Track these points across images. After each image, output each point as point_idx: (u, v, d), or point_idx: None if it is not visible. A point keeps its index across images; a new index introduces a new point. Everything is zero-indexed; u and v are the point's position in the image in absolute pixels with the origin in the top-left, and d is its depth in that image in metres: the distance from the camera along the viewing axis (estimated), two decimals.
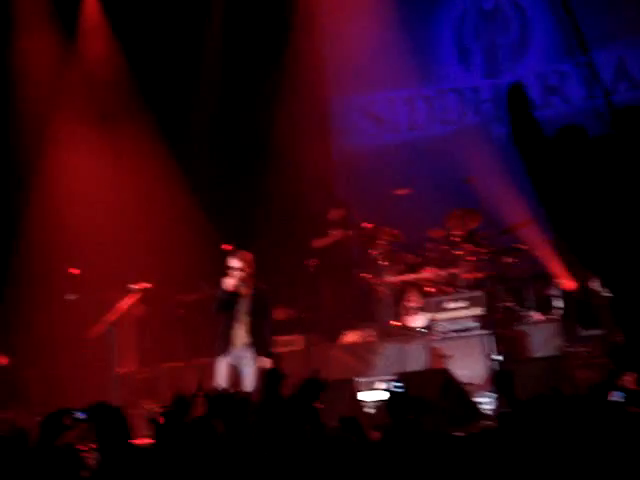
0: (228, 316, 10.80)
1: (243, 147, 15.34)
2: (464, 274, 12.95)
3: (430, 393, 9.56)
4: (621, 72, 14.51)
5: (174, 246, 14.35)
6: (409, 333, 12.94)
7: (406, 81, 15.60)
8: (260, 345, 10.74)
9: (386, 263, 13.41)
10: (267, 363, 10.60)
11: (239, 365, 10.69)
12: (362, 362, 12.89)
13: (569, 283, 11.71)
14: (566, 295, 11.96)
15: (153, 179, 14.66)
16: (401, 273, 13.44)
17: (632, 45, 14.58)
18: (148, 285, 13.34)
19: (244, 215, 14.89)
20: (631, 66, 14.62)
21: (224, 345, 10.76)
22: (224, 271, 10.83)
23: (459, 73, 15.73)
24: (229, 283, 10.75)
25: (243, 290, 10.78)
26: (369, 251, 13.63)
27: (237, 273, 10.80)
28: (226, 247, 14.63)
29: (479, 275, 12.97)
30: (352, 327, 13.86)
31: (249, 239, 14.66)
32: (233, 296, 10.74)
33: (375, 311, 13.63)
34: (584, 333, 12.03)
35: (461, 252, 13.02)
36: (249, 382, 10.51)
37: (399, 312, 13.19)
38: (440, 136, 15.44)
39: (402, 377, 10.78)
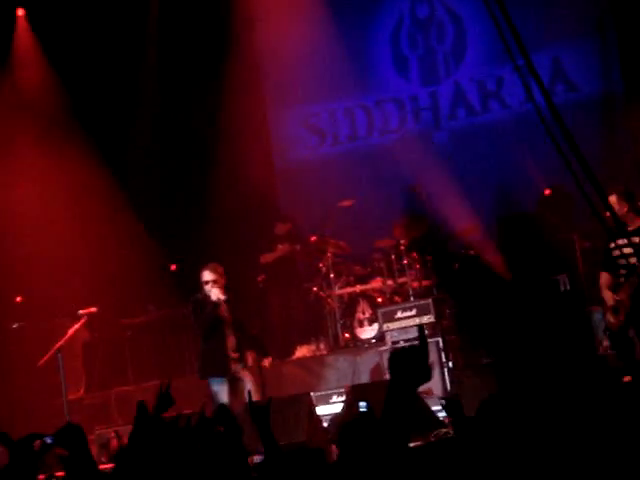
0: (217, 332, 10.54)
1: (184, 163, 15.22)
2: (412, 282, 12.95)
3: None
4: (557, 74, 14.61)
5: (118, 268, 14.18)
6: (360, 345, 12.90)
7: (345, 92, 15.59)
8: (258, 349, 10.83)
9: (334, 275, 13.37)
10: (267, 362, 10.71)
11: (236, 381, 10.56)
12: (315, 376, 12.82)
13: None
14: None
15: (94, 201, 14.49)
16: (350, 285, 13.41)
17: (567, 46, 14.68)
18: (94, 309, 13.18)
19: (188, 233, 14.77)
20: (567, 67, 14.73)
21: (222, 364, 10.52)
22: (199, 287, 10.56)
23: (397, 82, 15.74)
24: (216, 294, 10.38)
25: (221, 302, 10.47)
26: (317, 264, 13.58)
27: (213, 285, 10.51)
28: (172, 268, 14.54)
29: (427, 283, 12.98)
30: (303, 341, 13.79)
31: (194, 257, 14.55)
32: (217, 308, 10.44)
33: (325, 324, 13.57)
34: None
35: (408, 260, 13.02)
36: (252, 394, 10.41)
37: (349, 324, 13.14)
38: (381, 145, 15.44)
39: (356, 389, 10.73)
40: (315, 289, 13.63)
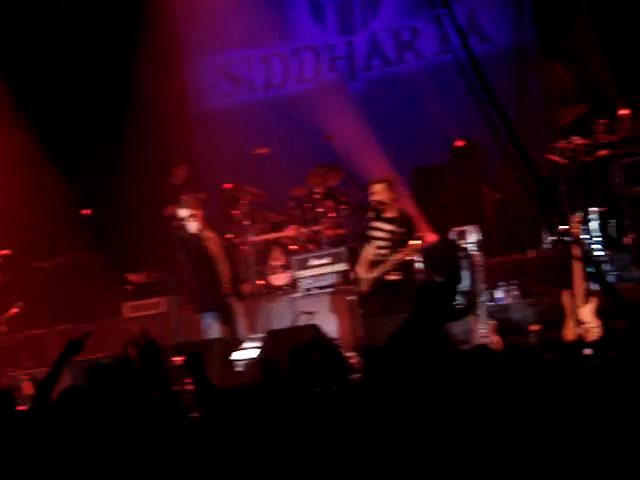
0: (199, 265, 10.77)
1: (100, 109, 15.05)
2: (326, 231, 13.06)
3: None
4: (472, 26, 14.73)
5: (31, 212, 14.05)
6: (274, 291, 13.00)
7: (262, 39, 15.53)
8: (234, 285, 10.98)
9: (249, 223, 13.40)
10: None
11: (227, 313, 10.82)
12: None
13: (430, 236, 11.91)
14: (426, 248, 12.16)
15: (5, 144, 14.29)
16: (264, 232, 13.46)
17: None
18: (6, 252, 13.08)
19: (103, 178, 14.66)
20: (481, 20, 14.86)
21: (212, 299, 10.86)
22: (177, 224, 10.77)
23: (314, 31, 15.73)
24: (195, 227, 10.74)
25: (204, 235, 10.78)
26: (232, 211, 13.60)
27: (192, 219, 10.77)
28: (85, 212, 14.44)
29: (341, 232, 13.10)
30: None
31: (108, 202, 14.48)
32: (197, 241, 10.74)
33: (239, 271, 13.62)
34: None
35: (323, 209, 13.12)
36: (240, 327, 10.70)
37: (263, 271, 13.21)
38: (297, 94, 15.44)
39: (270, 335, 10.85)
40: (229, 236, 13.66)
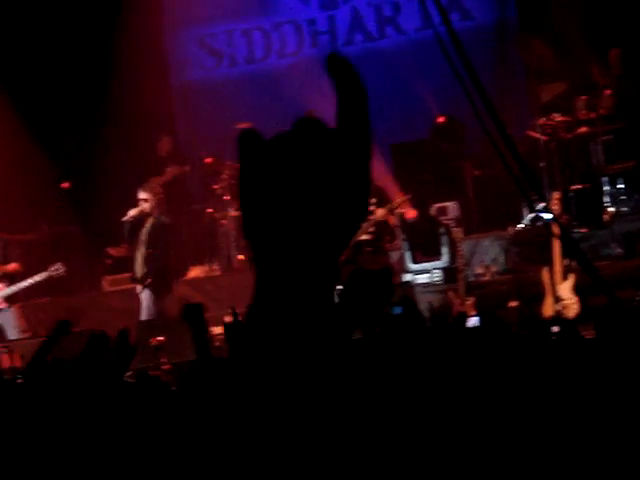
0: (132, 247, 11.38)
1: (80, 81, 14.96)
2: None
3: None
4: (453, 2, 14.73)
5: (10, 185, 13.99)
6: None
7: (243, 13, 15.48)
8: (155, 276, 11.22)
9: (229, 197, 13.40)
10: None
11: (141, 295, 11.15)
12: (208, 297, 12.90)
13: (410, 212, 11.95)
14: (406, 224, 12.20)
15: None
16: None
17: None
18: None
19: (84, 154, 14.60)
20: None
21: (133, 275, 11.44)
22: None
23: (295, 5, 15.69)
24: (128, 213, 11.22)
25: (147, 221, 11.22)
26: (212, 186, 13.60)
27: (141, 204, 11.25)
28: (64, 185, 14.41)
29: None
30: (196, 262, 13.85)
31: (88, 176, 14.44)
32: (135, 226, 11.23)
33: (219, 245, 13.64)
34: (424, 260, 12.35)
35: None
36: (145, 312, 10.92)
37: (244, 246, 13.22)
38: (278, 69, 15.41)
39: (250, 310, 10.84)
40: (209, 210, 13.66)
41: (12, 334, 11.60)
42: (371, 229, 10.76)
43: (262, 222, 1.54)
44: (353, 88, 1.62)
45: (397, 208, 10.80)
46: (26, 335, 11.65)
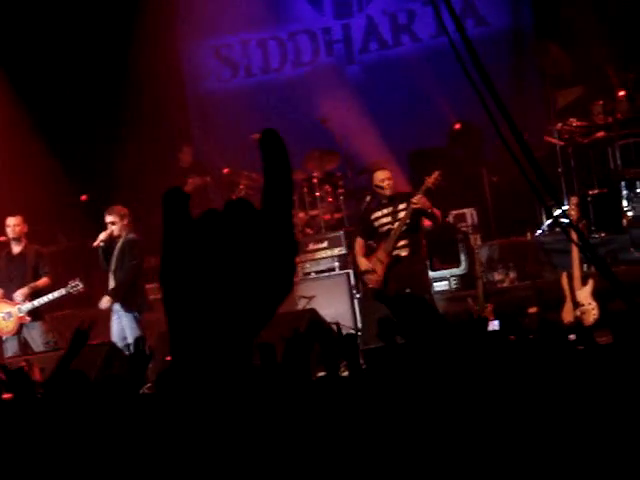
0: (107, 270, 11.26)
1: (97, 94, 15.00)
2: (324, 215, 13.07)
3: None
4: (468, 8, 14.72)
5: (30, 197, 14.03)
6: None
7: (258, 23, 15.50)
8: (115, 290, 11.17)
9: None
10: (104, 303, 11.17)
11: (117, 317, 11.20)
12: None
13: (435, 210, 11.90)
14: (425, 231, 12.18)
15: (3, 132, 14.27)
16: None
17: None
18: (3, 239, 13.05)
19: (102, 166, 14.64)
20: (477, 2, 14.85)
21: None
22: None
23: (310, 14, 15.70)
24: (98, 238, 11.12)
25: (116, 242, 11.14)
26: (230, 196, 13.61)
27: (109, 227, 11.14)
28: (83, 198, 14.45)
29: (339, 215, 13.11)
30: None
31: (108, 191, 14.46)
32: (106, 250, 11.14)
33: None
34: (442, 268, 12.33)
35: (320, 193, 13.12)
36: (128, 334, 10.88)
37: None
38: (294, 78, 15.44)
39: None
40: None
41: (38, 348, 11.63)
42: (408, 220, 10.64)
43: (183, 293, 1.63)
44: (280, 163, 1.75)
45: (433, 186, 10.69)
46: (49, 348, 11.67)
